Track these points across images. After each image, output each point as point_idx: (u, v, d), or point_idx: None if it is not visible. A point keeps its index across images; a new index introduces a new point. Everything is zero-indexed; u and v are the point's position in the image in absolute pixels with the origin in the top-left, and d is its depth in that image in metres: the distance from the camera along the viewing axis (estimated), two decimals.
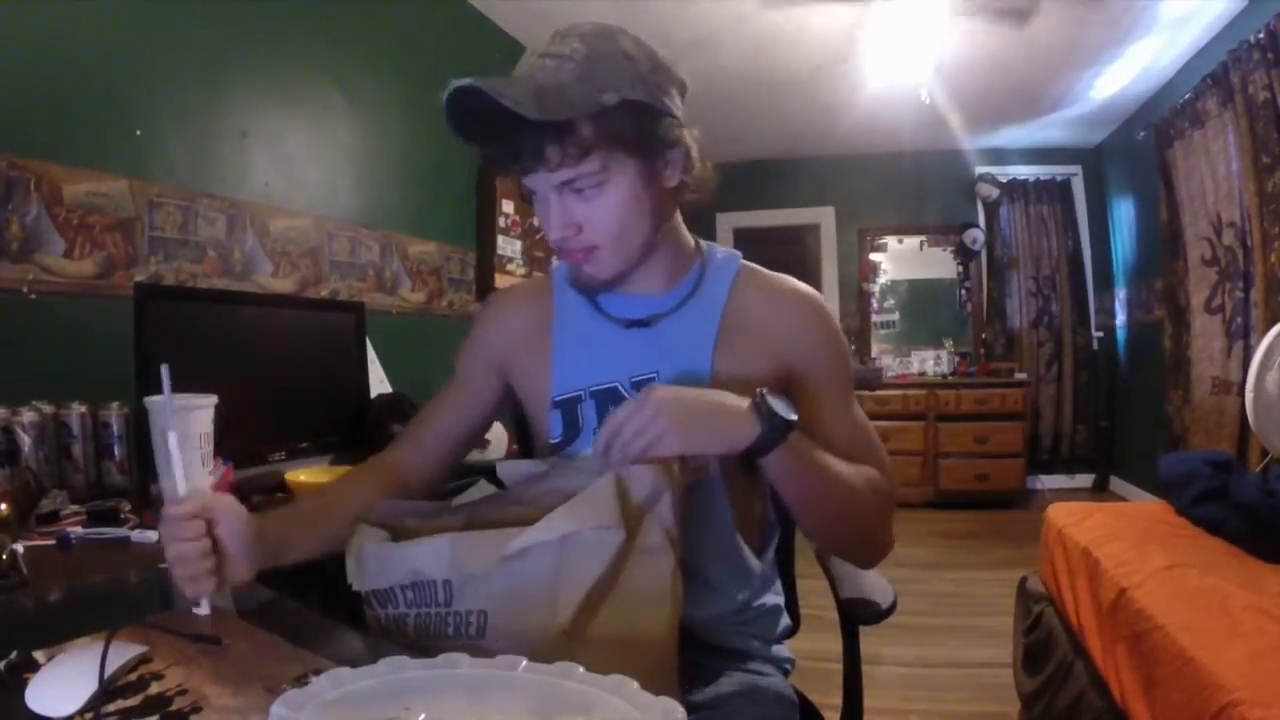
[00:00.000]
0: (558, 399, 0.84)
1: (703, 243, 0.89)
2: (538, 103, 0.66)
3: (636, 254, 0.79)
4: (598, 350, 0.84)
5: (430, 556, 0.66)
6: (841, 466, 0.75)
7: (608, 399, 0.82)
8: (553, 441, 0.85)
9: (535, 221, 3.28)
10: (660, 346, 0.82)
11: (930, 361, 4.90)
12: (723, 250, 0.89)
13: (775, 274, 0.88)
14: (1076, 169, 4.87)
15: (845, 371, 0.85)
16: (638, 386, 0.81)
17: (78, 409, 1.28)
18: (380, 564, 0.69)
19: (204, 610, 0.66)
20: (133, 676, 0.53)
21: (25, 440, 1.19)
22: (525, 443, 1.04)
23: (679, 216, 0.86)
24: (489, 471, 0.83)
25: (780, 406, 0.68)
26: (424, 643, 0.65)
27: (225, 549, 0.66)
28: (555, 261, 0.92)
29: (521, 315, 0.91)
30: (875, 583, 0.99)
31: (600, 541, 0.62)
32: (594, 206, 0.74)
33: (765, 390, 0.68)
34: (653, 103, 0.73)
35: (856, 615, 0.97)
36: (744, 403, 0.68)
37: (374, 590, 0.69)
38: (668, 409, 0.65)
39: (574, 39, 0.72)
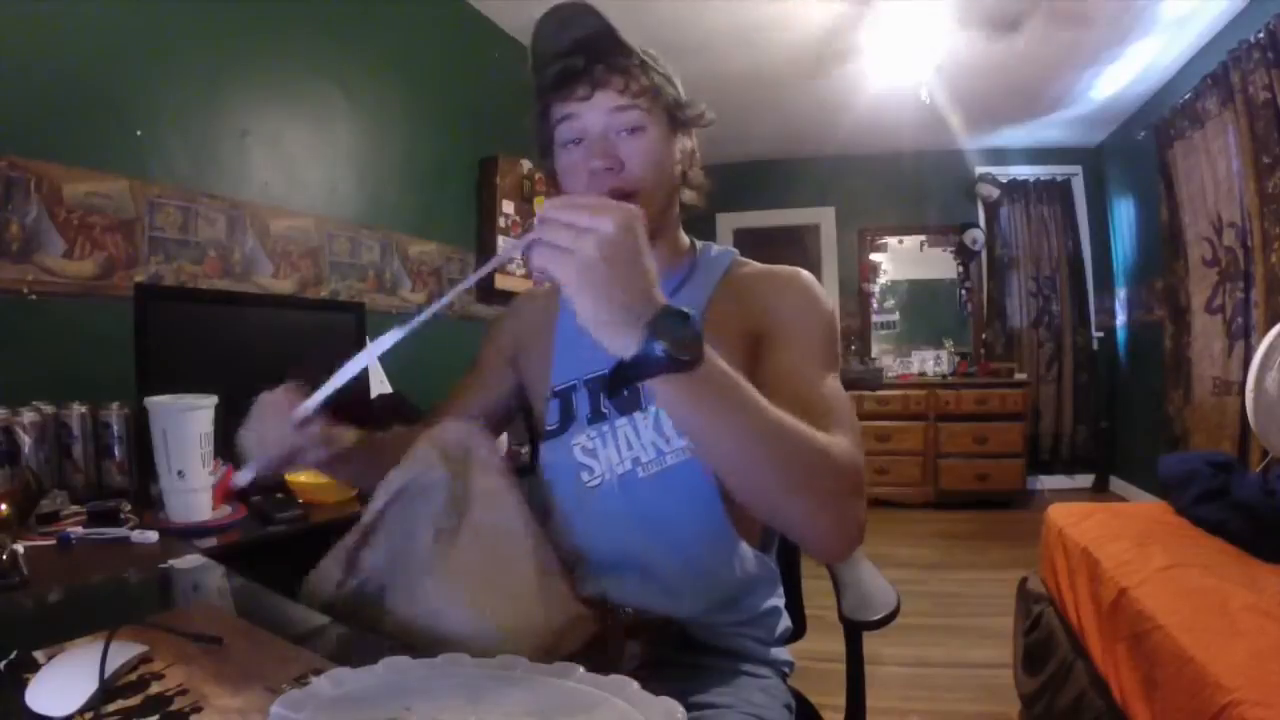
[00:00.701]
0: (556, 389, 0.89)
1: (699, 242, 0.93)
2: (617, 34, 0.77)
3: (658, 217, 0.83)
4: (591, 341, 0.85)
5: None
6: (778, 415, 0.60)
7: (599, 385, 0.86)
8: (550, 428, 0.89)
9: (537, 221, 3.28)
10: None
11: (930, 361, 4.90)
12: (718, 248, 0.93)
13: (770, 265, 0.90)
14: (1077, 169, 4.87)
15: (820, 339, 0.80)
16: None
17: (78, 409, 1.28)
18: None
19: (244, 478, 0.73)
20: (133, 676, 0.53)
21: (25, 440, 1.19)
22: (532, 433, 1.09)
23: (678, 215, 0.90)
24: None
25: (684, 332, 0.54)
26: (365, 611, 0.72)
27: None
28: None
29: (533, 314, 0.99)
30: (878, 587, 0.98)
31: (430, 484, 0.73)
32: (634, 147, 0.80)
33: (678, 311, 0.55)
34: (680, 90, 0.84)
35: (859, 625, 0.97)
36: (647, 313, 0.54)
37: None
38: (596, 253, 0.52)
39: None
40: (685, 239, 0.92)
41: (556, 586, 0.72)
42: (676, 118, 0.84)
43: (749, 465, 0.60)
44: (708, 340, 0.60)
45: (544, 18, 0.77)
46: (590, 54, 0.78)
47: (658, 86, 0.81)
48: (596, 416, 0.85)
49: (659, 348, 0.52)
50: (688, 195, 0.88)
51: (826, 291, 0.87)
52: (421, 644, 0.63)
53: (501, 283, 2.96)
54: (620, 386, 0.56)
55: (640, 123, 0.80)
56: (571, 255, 0.52)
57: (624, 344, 0.54)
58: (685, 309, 0.55)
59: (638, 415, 0.83)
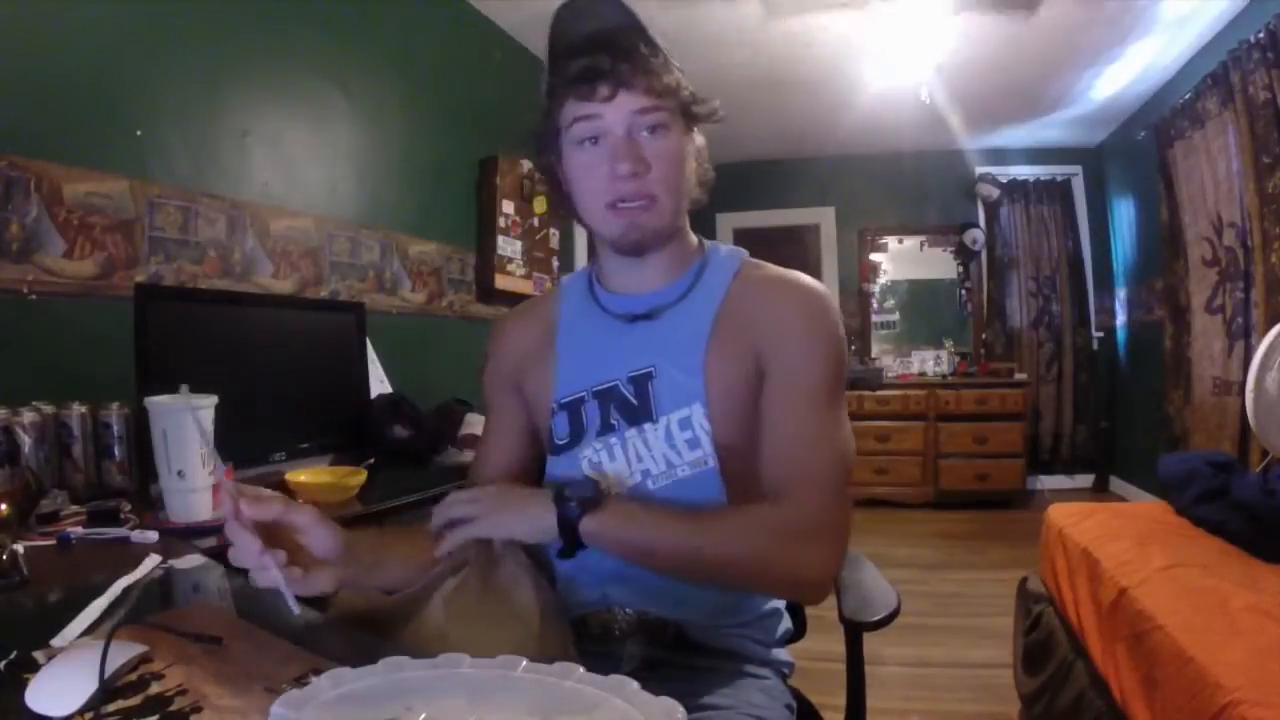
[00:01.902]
0: (562, 401, 0.86)
1: (707, 241, 0.90)
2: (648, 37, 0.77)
3: (675, 217, 0.82)
4: (598, 349, 0.85)
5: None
6: (695, 522, 0.74)
7: (608, 397, 0.83)
8: (560, 443, 0.85)
9: (536, 222, 3.29)
10: (657, 341, 0.83)
11: (930, 361, 4.90)
12: (727, 247, 0.89)
13: (782, 269, 0.86)
14: (1077, 169, 4.87)
15: (822, 372, 0.78)
16: (635, 381, 0.82)
17: (78, 409, 1.28)
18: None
19: (293, 608, 0.63)
20: (133, 676, 0.53)
21: (25, 440, 1.19)
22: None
23: (686, 215, 0.87)
24: None
25: (585, 490, 0.72)
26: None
27: (313, 557, 0.69)
28: (557, 271, 0.95)
29: (527, 330, 0.94)
30: (879, 588, 0.98)
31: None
32: (659, 147, 0.78)
33: (571, 482, 0.74)
34: (694, 91, 0.82)
35: (860, 625, 0.97)
36: (547, 495, 0.73)
37: None
38: (486, 503, 0.74)
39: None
40: (694, 237, 0.89)
41: (555, 633, 0.73)
42: (691, 114, 0.82)
43: (681, 572, 0.76)
44: (717, 349, 0.80)
45: (564, 7, 0.76)
46: (614, 50, 0.76)
47: (678, 83, 0.79)
48: (606, 428, 0.83)
49: (569, 506, 0.71)
50: (695, 192, 0.86)
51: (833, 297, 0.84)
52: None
53: (501, 283, 2.96)
54: (573, 546, 0.72)
55: (664, 122, 0.78)
56: (475, 519, 0.72)
57: (548, 521, 0.71)
58: (570, 482, 0.75)
59: (648, 426, 0.81)
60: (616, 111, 0.76)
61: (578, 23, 0.77)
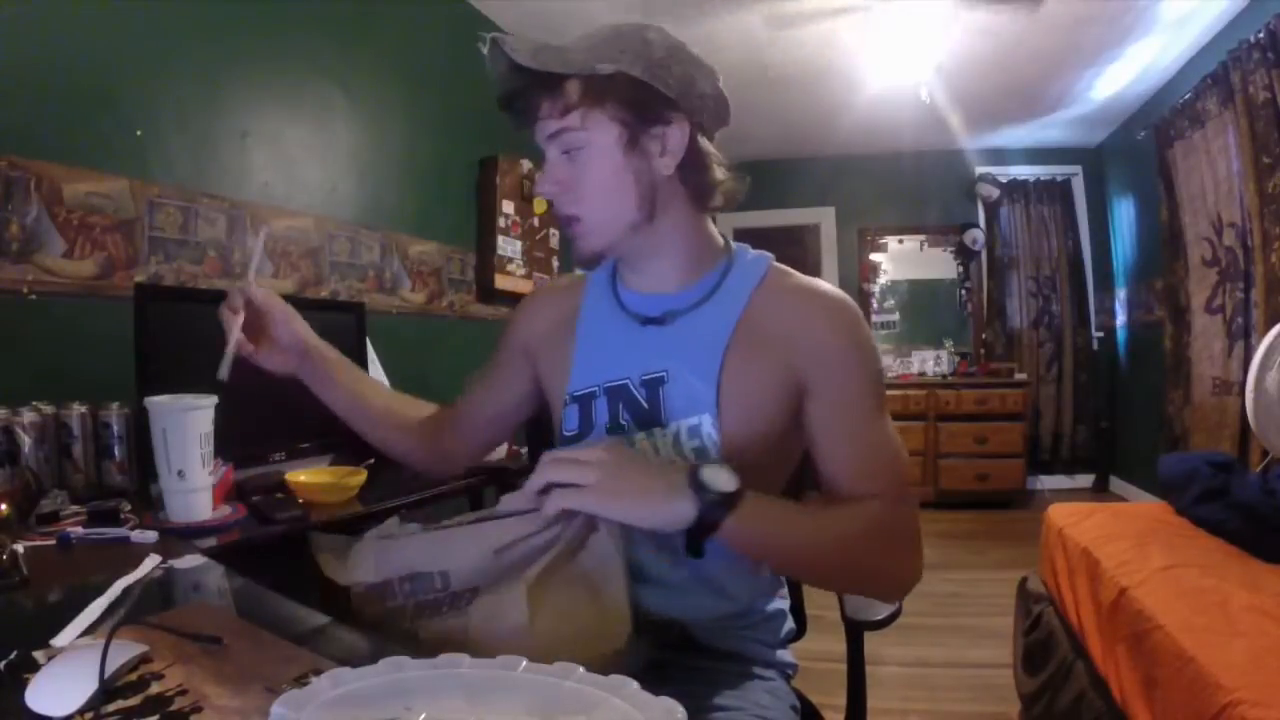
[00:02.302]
0: (575, 394, 0.86)
1: (735, 244, 0.88)
2: (535, 56, 0.74)
3: (622, 234, 0.80)
4: (613, 347, 0.85)
5: (424, 552, 0.71)
6: (816, 521, 0.72)
7: (619, 395, 0.82)
8: (568, 434, 0.86)
9: (536, 222, 3.29)
10: (673, 344, 0.81)
11: (930, 361, 4.90)
12: (754, 252, 0.87)
13: (807, 278, 0.85)
14: (1076, 169, 4.87)
15: (866, 383, 0.79)
16: (647, 384, 0.81)
17: (78, 409, 1.28)
18: (375, 562, 0.72)
19: (222, 374, 0.82)
20: (133, 676, 0.53)
21: (25, 440, 1.19)
22: (538, 438, 1.08)
23: (706, 218, 0.87)
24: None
25: (720, 480, 0.65)
26: (419, 623, 0.69)
27: (270, 333, 0.90)
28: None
29: (553, 309, 0.94)
30: None
31: (554, 535, 0.68)
32: (578, 167, 0.78)
33: (702, 466, 0.66)
34: (650, 81, 0.75)
35: (861, 624, 0.97)
36: (682, 480, 0.64)
37: (370, 585, 0.71)
38: (602, 473, 0.64)
39: (609, 28, 0.78)
40: (719, 239, 0.87)
41: (618, 624, 0.67)
42: (636, 116, 0.76)
43: (800, 569, 0.78)
44: (736, 358, 0.78)
45: (488, 59, 0.78)
46: (522, 73, 0.76)
47: (597, 92, 0.75)
48: (615, 428, 0.82)
49: (712, 501, 0.63)
50: (716, 204, 0.84)
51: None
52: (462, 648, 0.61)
53: (501, 283, 2.96)
54: (699, 545, 0.66)
55: (577, 143, 0.76)
56: (581, 488, 0.63)
57: (683, 511, 0.63)
58: (696, 466, 0.66)
59: (658, 431, 0.79)
60: (540, 135, 0.79)
61: (495, 57, 0.78)
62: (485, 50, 0.78)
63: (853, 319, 0.80)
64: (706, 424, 0.78)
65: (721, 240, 0.88)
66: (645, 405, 0.81)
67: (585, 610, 0.65)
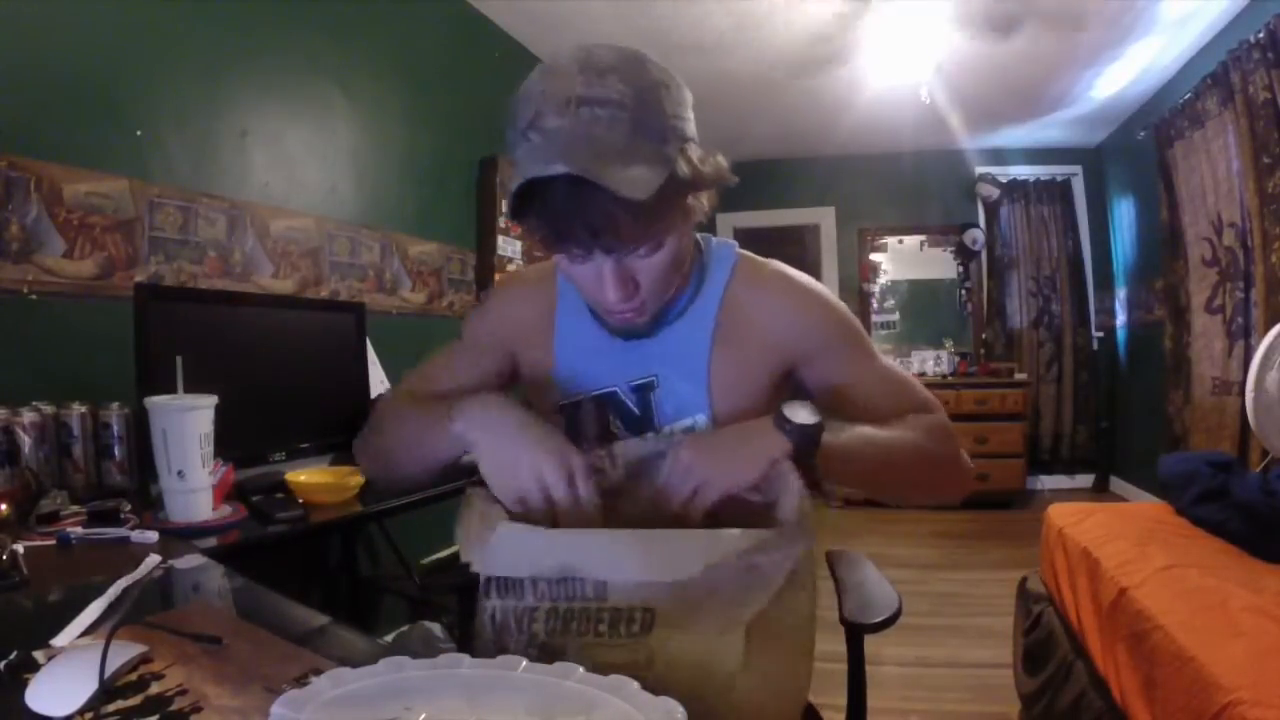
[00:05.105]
0: (563, 405, 0.85)
1: (701, 240, 0.86)
2: (634, 184, 0.61)
3: (673, 291, 0.79)
4: (596, 358, 0.84)
5: (586, 552, 0.59)
6: (887, 434, 0.75)
7: (608, 404, 0.83)
8: None
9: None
10: (658, 351, 0.81)
11: (930, 361, 4.90)
12: (717, 240, 0.86)
13: (769, 264, 0.86)
14: (1076, 169, 4.87)
15: (854, 333, 0.84)
16: (637, 390, 0.82)
17: (78, 409, 1.28)
18: (517, 553, 0.60)
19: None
20: (133, 676, 0.53)
21: (25, 440, 1.19)
22: None
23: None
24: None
25: (801, 414, 0.68)
26: (555, 640, 0.58)
27: None
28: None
29: (527, 304, 0.89)
30: (881, 590, 0.98)
31: (784, 557, 0.59)
32: (649, 264, 0.70)
33: (783, 406, 0.69)
34: (694, 138, 0.69)
35: (861, 626, 0.97)
36: (765, 423, 0.68)
37: (501, 578, 0.61)
38: (696, 460, 0.67)
39: (612, 78, 0.63)
40: (692, 241, 0.84)
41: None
42: (696, 193, 0.72)
43: (891, 481, 0.82)
44: (721, 356, 0.80)
45: (540, 180, 0.61)
46: (599, 232, 0.65)
47: (675, 194, 0.67)
48: (606, 437, 0.82)
49: (798, 428, 0.67)
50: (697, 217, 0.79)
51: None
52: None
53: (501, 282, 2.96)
54: (813, 469, 0.68)
55: (656, 245, 0.70)
56: (704, 483, 0.66)
57: (779, 444, 0.67)
58: (780, 409, 0.69)
59: (650, 437, 0.80)
60: (595, 253, 0.69)
61: (559, 201, 0.62)
62: (551, 200, 0.63)
63: (822, 295, 0.85)
64: (702, 424, 0.79)
65: (691, 239, 0.84)
66: (637, 411, 0.81)
67: (785, 661, 0.61)
